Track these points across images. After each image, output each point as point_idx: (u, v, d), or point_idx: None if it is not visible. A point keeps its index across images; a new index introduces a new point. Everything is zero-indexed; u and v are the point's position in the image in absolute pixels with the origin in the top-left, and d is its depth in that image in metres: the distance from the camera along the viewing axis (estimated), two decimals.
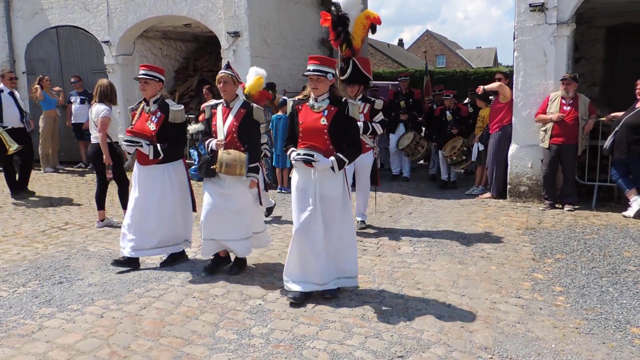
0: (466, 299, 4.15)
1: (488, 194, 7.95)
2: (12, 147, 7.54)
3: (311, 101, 4.11)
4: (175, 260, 5.08)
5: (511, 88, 7.73)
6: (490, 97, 8.54)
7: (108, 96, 6.23)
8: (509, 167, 7.61)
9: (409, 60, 43.68)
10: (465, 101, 10.21)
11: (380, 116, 5.95)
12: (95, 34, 10.95)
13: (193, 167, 8.45)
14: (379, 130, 5.98)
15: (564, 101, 7.00)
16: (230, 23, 9.47)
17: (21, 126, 8.08)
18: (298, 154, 3.98)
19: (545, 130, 7.12)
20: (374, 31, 6.17)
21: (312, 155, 3.91)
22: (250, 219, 4.73)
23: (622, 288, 4.35)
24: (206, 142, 4.68)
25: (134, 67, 11.57)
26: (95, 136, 6.27)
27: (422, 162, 10.93)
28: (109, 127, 6.20)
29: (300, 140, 4.09)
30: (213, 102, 4.79)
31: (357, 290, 4.34)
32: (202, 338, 3.53)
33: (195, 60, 13.39)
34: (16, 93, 8.33)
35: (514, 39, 7.54)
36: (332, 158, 3.97)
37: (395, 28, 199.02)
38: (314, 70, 4.02)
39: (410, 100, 9.59)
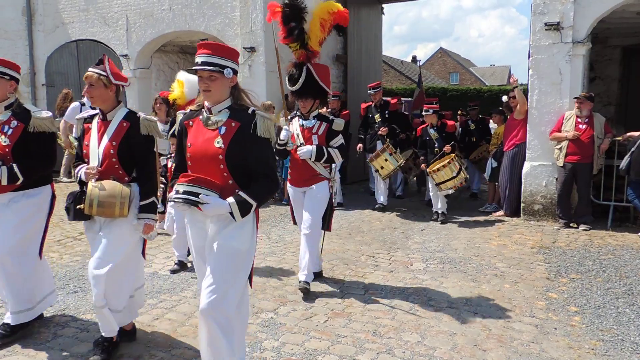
0: (479, 317, 4.12)
1: (501, 212, 7.90)
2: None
3: (205, 113, 2.87)
4: (21, 331, 3.68)
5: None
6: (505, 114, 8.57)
7: None
8: (523, 185, 7.57)
9: (423, 77, 43.82)
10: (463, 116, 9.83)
11: (339, 140, 4.73)
12: (114, 48, 11.16)
13: None
14: (337, 158, 4.69)
15: (579, 120, 6.98)
16: (247, 39, 9.60)
17: None
18: (177, 192, 2.70)
19: (560, 149, 7.09)
20: (340, 33, 4.94)
21: (197, 195, 2.66)
22: (129, 275, 3.45)
23: (639, 310, 4.28)
24: (76, 170, 3.43)
25: (151, 81, 11.80)
26: None
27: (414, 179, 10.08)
28: None
29: (189, 171, 2.88)
30: (87, 113, 3.50)
31: (369, 305, 4.32)
32: None
33: None
34: None
35: (528, 57, 7.56)
36: (230, 199, 2.70)
37: (409, 45, 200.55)
38: (203, 64, 2.77)
39: (386, 112, 8.54)
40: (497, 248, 6.13)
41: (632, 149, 6.62)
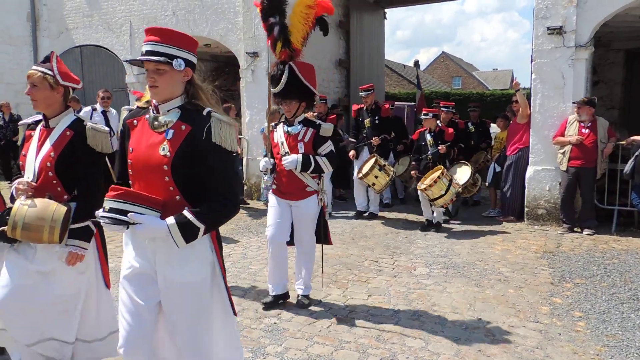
0: (483, 322, 4.10)
1: (502, 217, 7.87)
2: None
3: (152, 112, 2.38)
4: None
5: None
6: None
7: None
8: (526, 189, 7.55)
9: (425, 82, 43.67)
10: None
11: (328, 147, 4.28)
12: (117, 54, 11.22)
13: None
14: (326, 167, 4.26)
15: (582, 124, 6.96)
16: (249, 44, 9.63)
17: None
18: (103, 209, 2.21)
19: (563, 153, 7.07)
20: (324, 30, 4.46)
21: (125, 214, 2.16)
22: (82, 312, 2.94)
23: None
24: (13, 183, 2.93)
25: None
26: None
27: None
28: None
29: (130, 181, 2.41)
30: (32, 118, 3.03)
31: (372, 310, 4.31)
32: None
33: (213, 79, 13.62)
34: (111, 112, 8.16)
35: (531, 61, 7.55)
36: (169, 220, 2.20)
37: (411, 49, 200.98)
38: (148, 53, 2.27)
39: (377, 118, 8.00)
40: (501, 253, 6.11)
41: (636, 153, 6.59)
